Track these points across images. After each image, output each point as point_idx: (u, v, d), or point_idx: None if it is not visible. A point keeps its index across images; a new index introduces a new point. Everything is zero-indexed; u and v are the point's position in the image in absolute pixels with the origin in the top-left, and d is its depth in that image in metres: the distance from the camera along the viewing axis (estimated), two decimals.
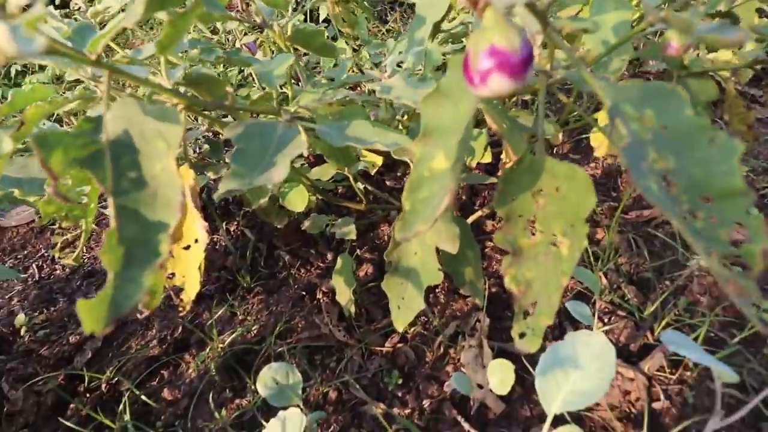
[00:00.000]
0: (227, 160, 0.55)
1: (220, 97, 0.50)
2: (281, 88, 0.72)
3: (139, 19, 0.35)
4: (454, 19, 0.78)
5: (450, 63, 0.32)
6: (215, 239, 1.05)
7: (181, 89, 0.54)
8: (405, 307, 0.57)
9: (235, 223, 1.08)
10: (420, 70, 0.49)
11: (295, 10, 0.62)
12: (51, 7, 0.86)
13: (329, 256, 0.97)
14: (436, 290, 0.84)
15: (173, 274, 0.56)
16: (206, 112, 0.60)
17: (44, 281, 1.04)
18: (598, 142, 0.82)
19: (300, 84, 0.78)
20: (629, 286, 0.78)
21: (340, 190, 1.10)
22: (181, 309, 0.54)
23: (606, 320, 0.73)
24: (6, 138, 0.38)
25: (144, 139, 0.35)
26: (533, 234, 0.43)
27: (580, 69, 0.33)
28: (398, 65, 0.50)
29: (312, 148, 0.63)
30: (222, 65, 0.77)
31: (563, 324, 0.74)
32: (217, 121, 0.64)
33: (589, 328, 0.68)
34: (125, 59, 0.52)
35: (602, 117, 0.83)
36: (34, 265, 1.09)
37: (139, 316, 0.49)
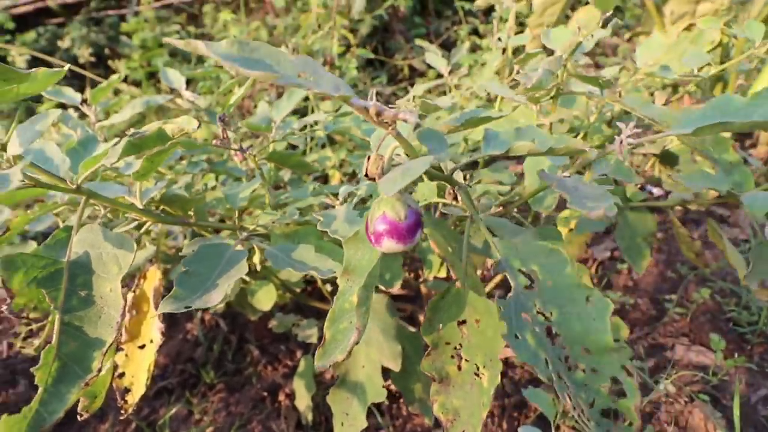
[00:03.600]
0: None
1: (189, 214, 0.56)
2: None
3: (116, 161, 0.42)
4: None
5: (364, 217, 0.38)
6: (188, 328, 1.06)
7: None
8: (348, 424, 0.57)
9: (211, 311, 1.10)
10: (370, 197, 0.56)
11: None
12: (72, 110, 0.96)
13: (298, 355, 0.97)
14: (400, 401, 0.83)
15: (123, 374, 0.57)
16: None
17: (11, 360, 1.04)
18: None
19: (287, 190, 0.85)
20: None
21: (317, 285, 1.12)
22: (123, 412, 0.54)
23: None
24: None
25: (100, 262, 0.40)
26: (460, 362, 0.46)
27: (479, 223, 0.38)
28: (350, 194, 0.57)
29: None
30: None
31: None
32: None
33: None
34: (112, 173, 0.59)
35: None
36: (5, 342, 1.09)
37: (79, 418, 0.50)
